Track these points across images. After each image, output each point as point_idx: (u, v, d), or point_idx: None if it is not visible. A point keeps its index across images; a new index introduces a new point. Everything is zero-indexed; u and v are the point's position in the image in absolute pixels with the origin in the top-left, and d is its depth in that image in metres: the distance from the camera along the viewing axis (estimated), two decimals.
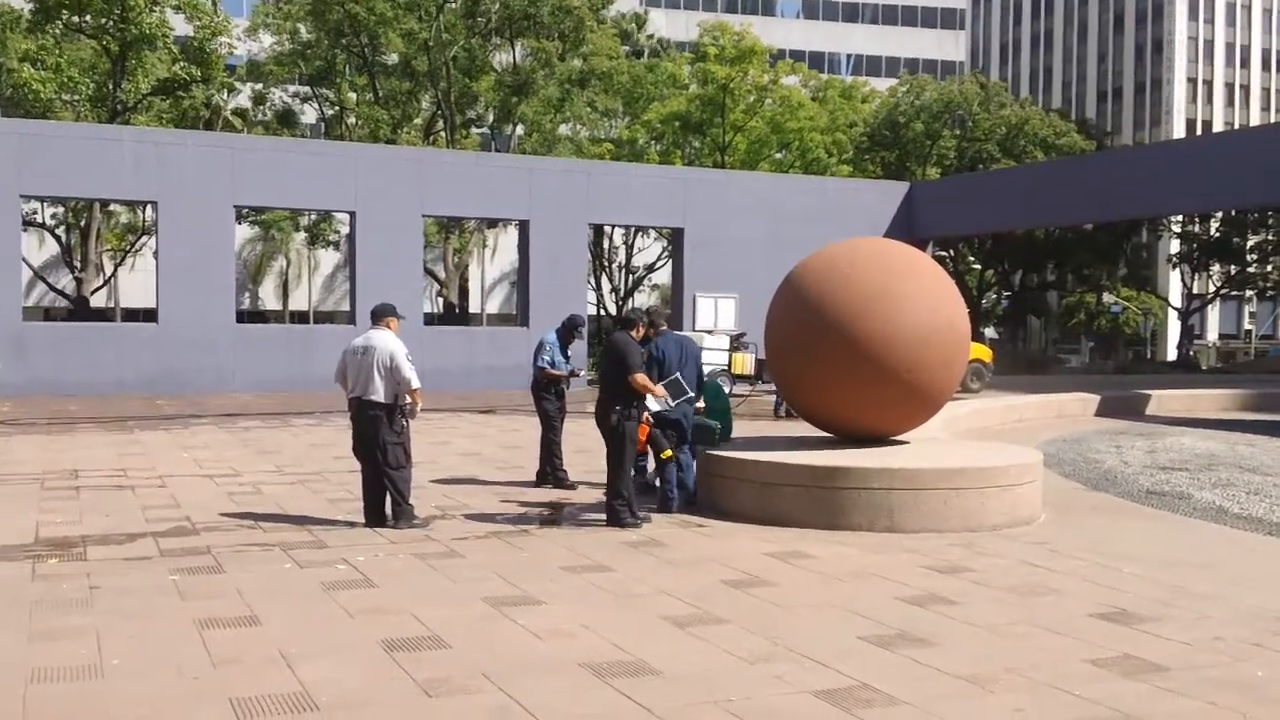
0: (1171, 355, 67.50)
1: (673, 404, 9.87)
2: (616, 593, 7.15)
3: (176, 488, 11.22)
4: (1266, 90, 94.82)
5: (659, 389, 9.61)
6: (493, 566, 7.80)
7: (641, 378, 9.34)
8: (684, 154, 49.59)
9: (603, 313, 51.33)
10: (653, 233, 49.35)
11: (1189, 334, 61.25)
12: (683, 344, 10.42)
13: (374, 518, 9.22)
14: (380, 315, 9.43)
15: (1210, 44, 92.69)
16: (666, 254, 47.47)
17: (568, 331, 11.88)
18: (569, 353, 11.97)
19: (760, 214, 30.45)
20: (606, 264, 52.59)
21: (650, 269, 54.49)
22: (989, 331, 61.18)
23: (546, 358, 11.74)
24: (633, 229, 48.58)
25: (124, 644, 5.86)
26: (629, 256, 53.64)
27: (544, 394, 11.79)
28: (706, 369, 12.38)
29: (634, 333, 9.82)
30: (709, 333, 27.08)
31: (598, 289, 50.93)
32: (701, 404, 10.64)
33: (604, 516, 9.50)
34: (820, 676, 5.49)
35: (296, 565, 7.80)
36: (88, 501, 10.35)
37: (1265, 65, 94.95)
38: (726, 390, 12.98)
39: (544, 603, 6.83)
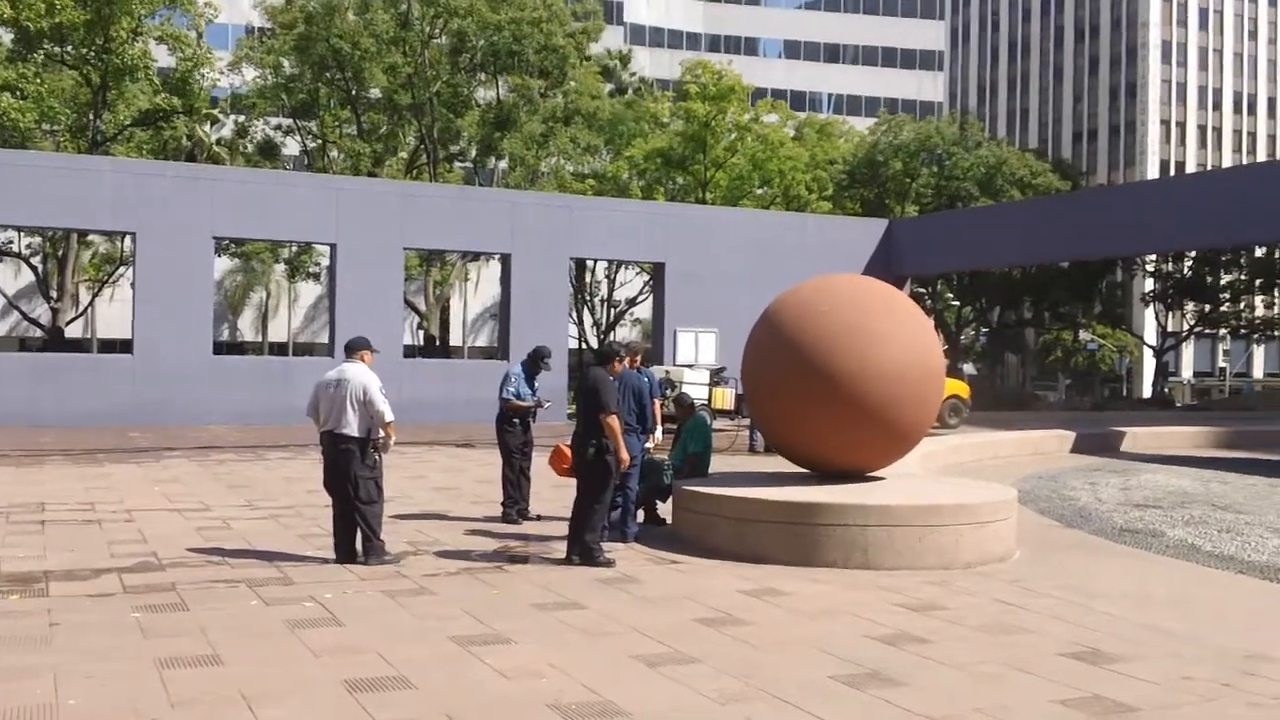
0: (1147, 392, 67.89)
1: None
2: (588, 631, 7.08)
3: (144, 522, 11.08)
4: (1238, 133, 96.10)
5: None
6: (463, 604, 7.71)
7: (613, 420, 9.24)
8: (666, 190, 49.82)
9: (584, 346, 51.32)
10: (634, 267, 49.46)
11: (1164, 371, 61.64)
12: (624, 378, 10.36)
13: (344, 554, 9.12)
14: (354, 348, 9.37)
15: (1183, 87, 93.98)
16: (648, 288, 47.55)
17: (534, 363, 11.72)
18: (536, 384, 11.86)
19: (741, 249, 30.54)
20: (588, 298, 52.66)
21: (632, 303, 54.57)
22: (968, 368, 61.44)
23: (511, 389, 11.60)
24: (615, 263, 48.69)
25: (82, 683, 5.75)
26: (611, 290, 53.73)
27: (507, 426, 11.63)
28: (699, 404, 12.29)
29: (615, 365, 9.74)
30: (689, 367, 27.08)
31: (579, 323, 50.95)
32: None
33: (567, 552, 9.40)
34: (790, 717, 5.44)
35: (263, 603, 7.69)
36: (53, 536, 10.21)
37: (1236, 108, 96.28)
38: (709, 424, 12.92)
39: (514, 641, 6.75)
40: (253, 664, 6.17)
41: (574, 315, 48.50)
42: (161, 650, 6.39)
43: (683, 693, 5.81)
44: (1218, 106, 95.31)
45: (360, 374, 9.07)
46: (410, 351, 41.38)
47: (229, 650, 6.42)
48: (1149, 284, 59.27)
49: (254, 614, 7.37)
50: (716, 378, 26.15)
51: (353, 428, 8.97)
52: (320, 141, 47.33)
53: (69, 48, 36.44)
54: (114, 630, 6.87)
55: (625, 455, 9.38)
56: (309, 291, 63.68)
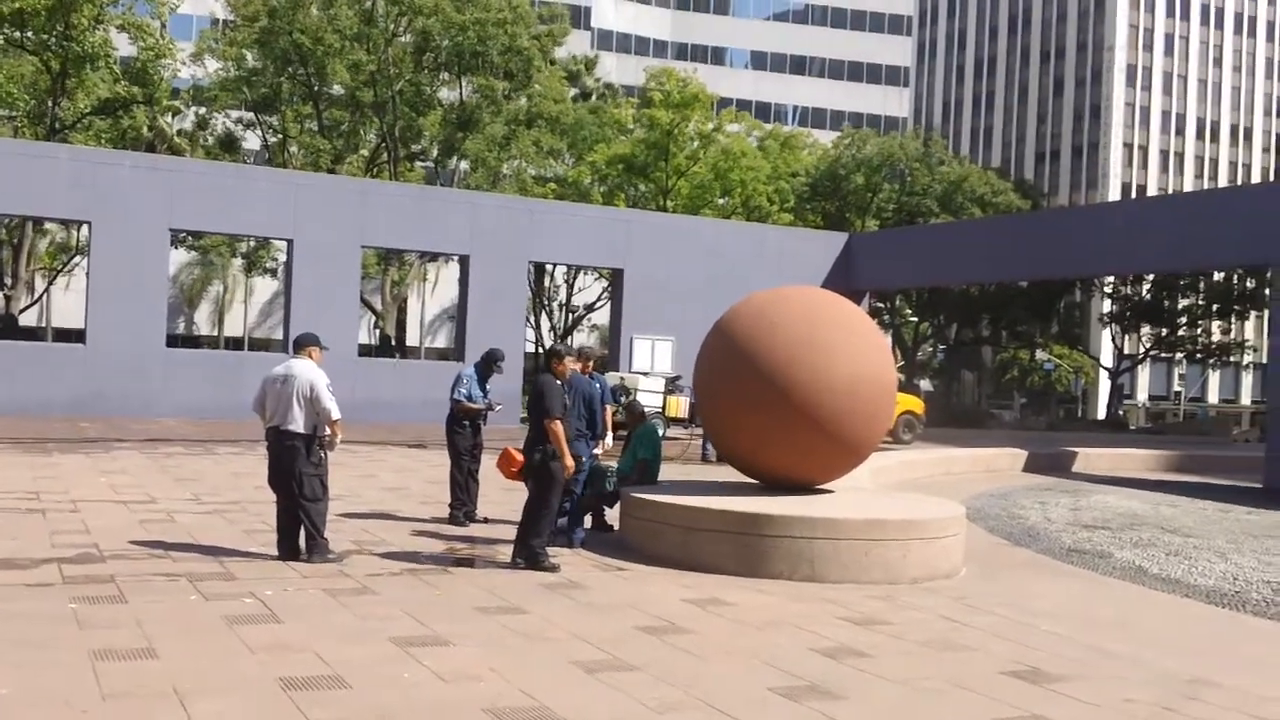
0: (1102, 414, 68.71)
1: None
2: (529, 635, 7.03)
3: (88, 513, 10.91)
4: (1199, 158, 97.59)
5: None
6: (404, 605, 7.64)
7: (557, 426, 9.15)
8: (628, 196, 49.82)
9: (540, 350, 51.19)
10: (593, 272, 49.38)
11: (1119, 393, 62.32)
12: (575, 383, 10.33)
13: (287, 551, 9.01)
14: (302, 344, 9.28)
15: (1147, 111, 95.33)
16: (606, 294, 47.49)
17: (487, 365, 11.69)
18: (488, 387, 11.81)
19: (701, 259, 30.57)
20: (546, 302, 52.56)
21: (590, 308, 54.49)
22: (924, 384, 61.88)
23: (463, 390, 11.54)
24: (573, 268, 48.63)
25: (12, 673, 5.65)
26: (569, 295, 53.65)
27: (456, 427, 11.59)
28: (653, 412, 12.26)
29: (557, 365, 9.58)
30: (645, 374, 27.08)
31: (537, 327, 50.83)
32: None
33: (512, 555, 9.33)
34: None
35: (202, 597, 7.58)
36: None
37: (1199, 134, 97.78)
38: (661, 433, 12.92)
39: (453, 644, 6.69)
40: (188, 659, 6.08)
41: (532, 319, 48.38)
42: (97, 642, 6.29)
43: (621, 700, 5.77)
44: (1180, 131, 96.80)
45: (307, 370, 8.98)
46: (365, 351, 41.11)
47: (165, 644, 6.33)
48: (1107, 306, 59.97)
49: (193, 608, 7.27)
50: (671, 386, 26.18)
51: (298, 424, 8.87)
52: (281, 136, 46.94)
53: (29, 33, 35.89)
54: (50, 620, 6.75)
55: (569, 461, 9.31)
56: (265, 287, 63.13)
